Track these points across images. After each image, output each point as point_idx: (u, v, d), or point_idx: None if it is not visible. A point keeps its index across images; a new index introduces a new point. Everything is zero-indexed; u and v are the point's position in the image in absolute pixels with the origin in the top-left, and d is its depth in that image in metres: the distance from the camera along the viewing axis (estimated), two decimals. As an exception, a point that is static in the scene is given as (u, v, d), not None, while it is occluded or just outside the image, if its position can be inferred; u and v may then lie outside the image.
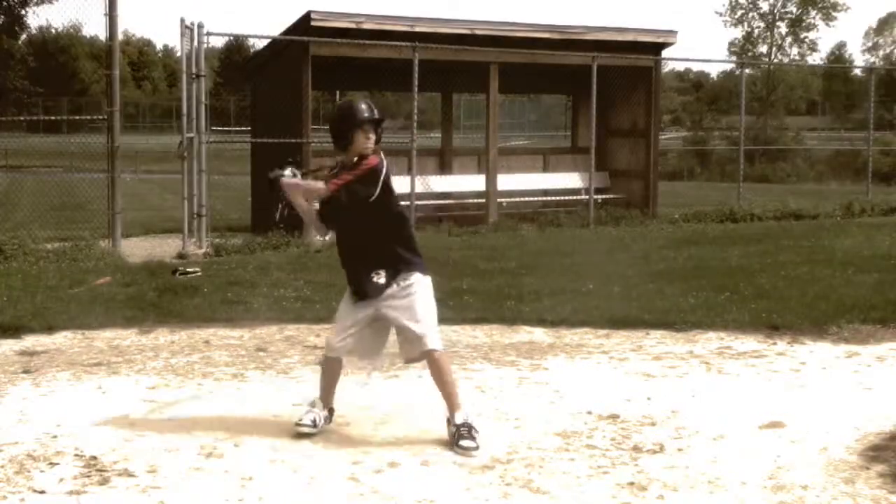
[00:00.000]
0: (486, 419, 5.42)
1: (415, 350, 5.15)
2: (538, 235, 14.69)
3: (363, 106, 5.15)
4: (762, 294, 9.20)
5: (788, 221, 17.16)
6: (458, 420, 5.00)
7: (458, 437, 4.93)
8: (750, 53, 63.14)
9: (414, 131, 15.10)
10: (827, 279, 10.00)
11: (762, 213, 17.56)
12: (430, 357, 5.14)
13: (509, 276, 10.30)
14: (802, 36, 65.13)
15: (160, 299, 9.00)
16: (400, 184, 15.49)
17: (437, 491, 4.34)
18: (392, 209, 5.20)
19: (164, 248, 13.04)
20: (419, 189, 15.62)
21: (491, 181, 16.70)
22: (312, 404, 5.24)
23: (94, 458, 4.72)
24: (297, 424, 5.13)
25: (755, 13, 65.23)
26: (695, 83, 65.58)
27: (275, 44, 15.94)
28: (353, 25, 15.13)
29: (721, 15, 66.91)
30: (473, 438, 4.92)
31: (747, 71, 33.54)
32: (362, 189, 5.05)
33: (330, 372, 5.30)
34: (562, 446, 4.97)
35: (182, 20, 12.98)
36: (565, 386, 6.18)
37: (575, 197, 17.91)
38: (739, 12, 65.15)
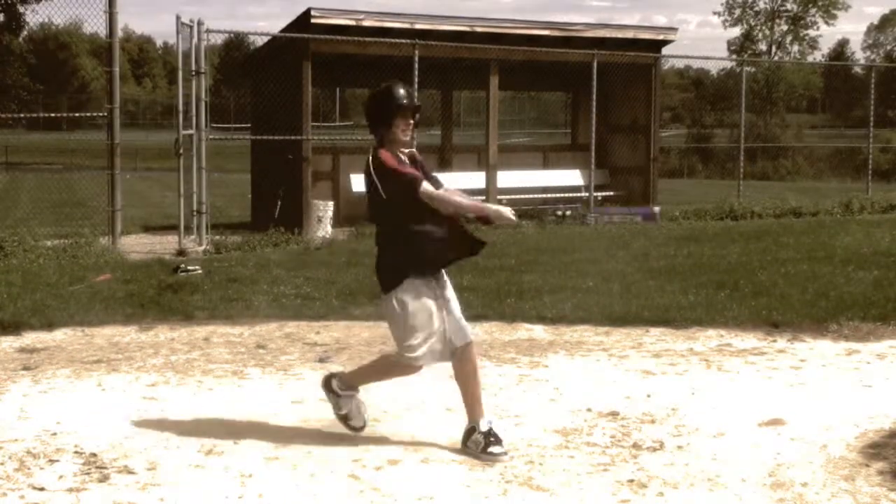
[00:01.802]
0: (485, 416, 5.44)
1: (465, 338, 4.94)
2: (538, 232, 14.69)
3: (403, 91, 4.91)
4: (762, 291, 9.20)
5: (788, 219, 17.17)
6: (483, 427, 4.83)
7: (485, 444, 4.77)
8: (750, 52, 63.19)
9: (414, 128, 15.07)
10: (827, 276, 10.00)
11: (762, 211, 17.56)
12: (469, 348, 4.97)
13: (509, 273, 10.30)
14: (803, 34, 65.21)
15: (160, 296, 9.00)
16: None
17: (437, 488, 4.34)
18: None
19: (163, 245, 13.04)
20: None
21: (491, 178, 16.71)
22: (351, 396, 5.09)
23: (94, 455, 4.72)
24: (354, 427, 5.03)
25: (752, 11, 65.33)
26: (695, 80, 65.51)
27: (275, 41, 15.94)
28: (352, 22, 15.13)
29: (720, 15, 67.11)
30: (499, 442, 4.79)
31: (748, 68, 33.54)
32: None
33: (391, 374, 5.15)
34: (562, 443, 4.97)
35: (178, 17, 12.99)
36: (565, 383, 6.18)
37: (575, 194, 17.91)
38: (737, 11, 65.28)
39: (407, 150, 5.04)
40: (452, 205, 4.85)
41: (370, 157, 4.89)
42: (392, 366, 5.10)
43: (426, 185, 4.81)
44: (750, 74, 47.59)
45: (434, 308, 4.86)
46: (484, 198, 16.76)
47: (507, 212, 4.85)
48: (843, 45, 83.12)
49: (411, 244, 4.84)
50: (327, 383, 5.15)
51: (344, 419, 5.09)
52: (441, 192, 4.88)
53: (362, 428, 5.10)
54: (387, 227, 4.93)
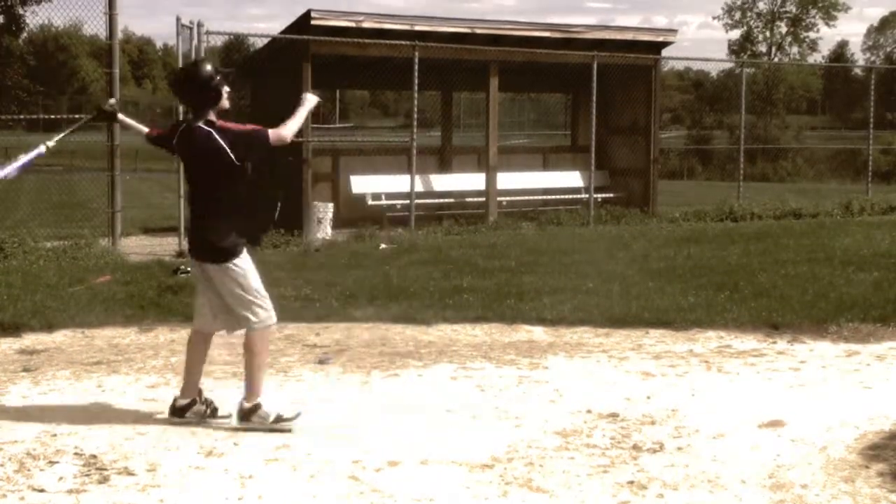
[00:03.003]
0: (486, 418, 5.44)
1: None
2: (538, 234, 14.69)
3: (212, 64, 5.25)
4: (762, 293, 9.20)
5: (788, 220, 17.16)
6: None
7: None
8: (749, 53, 63.26)
9: (414, 130, 15.10)
10: (827, 278, 10.00)
11: (762, 212, 17.56)
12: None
13: (509, 275, 10.30)
14: (802, 36, 65.31)
15: (160, 298, 9.00)
16: (400, 182, 15.63)
17: (437, 489, 4.34)
18: None
19: (163, 246, 13.04)
20: (419, 188, 15.63)
21: (491, 180, 16.70)
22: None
23: (94, 456, 4.72)
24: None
25: (752, 13, 65.48)
26: (695, 82, 65.56)
27: (275, 42, 15.94)
28: (352, 24, 15.13)
29: (719, 19, 67.14)
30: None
31: (748, 70, 33.56)
32: None
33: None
34: (562, 445, 4.97)
35: (178, 19, 12.99)
36: (565, 385, 6.18)
37: (575, 195, 17.91)
38: (737, 14, 65.42)
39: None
40: (297, 126, 5.33)
41: (211, 132, 5.09)
42: (259, 341, 5.23)
43: (271, 130, 5.17)
44: (750, 76, 47.61)
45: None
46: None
47: (312, 97, 5.55)
48: (842, 46, 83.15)
49: (246, 212, 5.20)
50: (245, 414, 5.19)
51: (278, 420, 5.14)
52: (282, 126, 5.23)
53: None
54: (225, 196, 5.14)
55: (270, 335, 5.37)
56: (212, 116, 5.16)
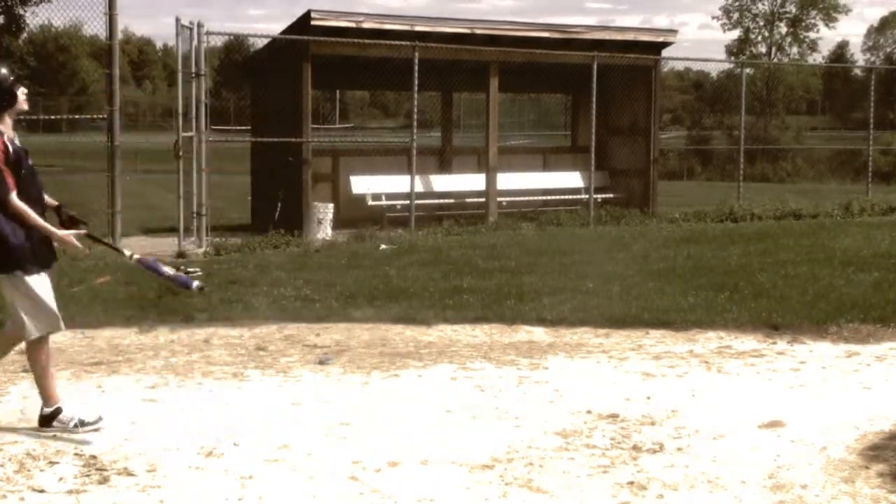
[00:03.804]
0: (485, 418, 5.44)
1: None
2: (538, 234, 14.69)
3: (5, 67, 5.18)
4: (762, 293, 9.20)
5: (788, 221, 17.15)
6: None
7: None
8: (748, 53, 63.21)
9: (414, 130, 15.10)
10: (827, 278, 10.00)
11: (762, 213, 17.54)
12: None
13: (509, 275, 10.30)
14: (802, 36, 65.25)
15: (160, 298, 8.99)
16: (400, 183, 15.64)
17: (437, 490, 4.34)
18: None
19: (163, 247, 13.03)
20: (419, 188, 15.63)
21: (491, 180, 16.71)
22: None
23: (94, 457, 4.73)
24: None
25: (750, 14, 65.45)
26: (695, 82, 65.54)
27: (275, 43, 15.96)
28: (353, 24, 15.15)
29: (718, 19, 67.07)
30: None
31: (747, 70, 33.55)
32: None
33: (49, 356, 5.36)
34: (561, 445, 4.97)
35: (178, 19, 13.01)
36: (565, 385, 6.18)
37: (575, 196, 17.91)
38: (735, 15, 65.37)
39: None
40: (31, 223, 5.21)
41: None
42: (40, 351, 5.27)
43: (14, 198, 5.07)
44: (749, 76, 47.59)
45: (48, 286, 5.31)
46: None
47: (73, 241, 5.51)
48: (842, 47, 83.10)
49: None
50: (48, 420, 5.18)
51: (81, 425, 5.12)
52: (24, 208, 5.14)
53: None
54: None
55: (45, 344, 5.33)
56: (7, 120, 5.13)
